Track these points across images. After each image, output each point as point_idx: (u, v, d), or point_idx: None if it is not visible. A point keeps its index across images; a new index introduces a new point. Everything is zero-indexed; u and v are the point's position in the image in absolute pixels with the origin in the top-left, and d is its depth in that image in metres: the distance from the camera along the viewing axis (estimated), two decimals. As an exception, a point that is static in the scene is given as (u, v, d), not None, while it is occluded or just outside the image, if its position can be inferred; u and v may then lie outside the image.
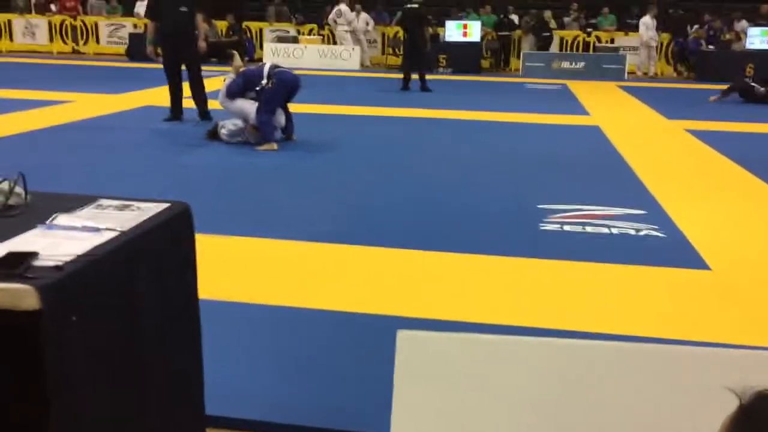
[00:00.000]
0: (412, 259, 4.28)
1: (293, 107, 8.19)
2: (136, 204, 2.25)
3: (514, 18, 18.28)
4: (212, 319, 2.98)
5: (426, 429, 1.88)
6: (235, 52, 9.42)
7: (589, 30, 18.34)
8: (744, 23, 17.20)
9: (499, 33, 17.94)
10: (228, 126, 7.77)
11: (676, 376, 1.74)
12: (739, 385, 1.07)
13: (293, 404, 2.67)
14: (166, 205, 2.24)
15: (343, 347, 3.16)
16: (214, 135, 7.87)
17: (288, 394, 2.75)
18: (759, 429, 0.99)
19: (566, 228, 4.92)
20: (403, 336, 1.97)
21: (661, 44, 17.54)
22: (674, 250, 4.48)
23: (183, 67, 8.97)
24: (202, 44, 9.12)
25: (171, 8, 8.74)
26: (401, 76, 13.24)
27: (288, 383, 2.84)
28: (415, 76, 12.96)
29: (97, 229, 1.99)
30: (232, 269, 4.06)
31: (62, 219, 2.04)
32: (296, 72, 8.05)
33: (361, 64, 17.54)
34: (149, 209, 2.20)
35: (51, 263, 1.70)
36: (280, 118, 7.79)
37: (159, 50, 9.13)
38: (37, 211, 2.07)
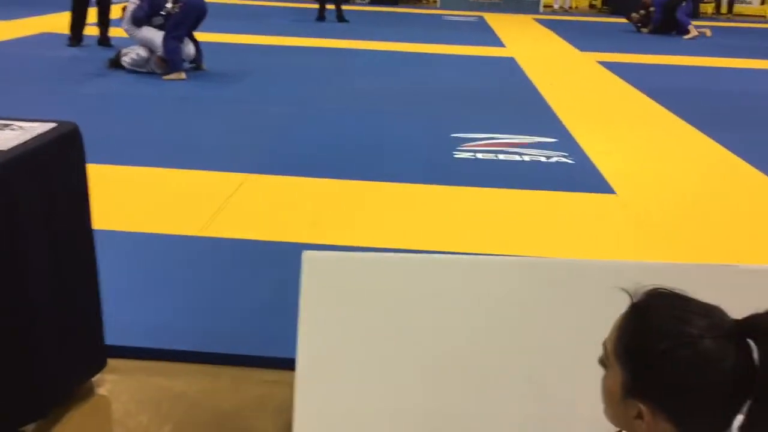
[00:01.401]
0: (327, 188, 4.22)
1: (204, 36, 7.85)
2: (17, 123, 2.09)
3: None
4: (112, 250, 2.87)
5: (332, 348, 1.86)
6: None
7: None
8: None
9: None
10: (131, 54, 7.37)
11: (574, 286, 1.77)
12: (632, 287, 1.08)
13: (196, 331, 2.61)
14: (51, 125, 2.09)
15: (252, 275, 3.10)
16: (116, 63, 7.46)
17: (191, 322, 2.68)
18: (648, 323, 0.99)
19: (479, 156, 4.95)
20: (308, 256, 1.93)
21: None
22: (582, 176, 4.59)
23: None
24: None
25: None
26: (317, 6, 12.87)
27: (190, 311, 2.77)
28: (330, 6, 12.62)
29: (-29, 148, 1.83)
30: (134, 200, 3.90)
31: (-69, 137, 1.87)
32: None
33: (276, -7, 16.94)
34: (33, 129, 2.05)
35: None
36: (188, 49, 7.45)
37: None
38: None
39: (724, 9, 17.22)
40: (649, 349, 0.96)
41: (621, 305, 1.08)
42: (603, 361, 1.06)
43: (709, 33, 12.45)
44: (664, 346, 0.95)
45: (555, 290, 1.78)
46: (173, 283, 3.00)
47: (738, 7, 17.33)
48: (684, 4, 12.48)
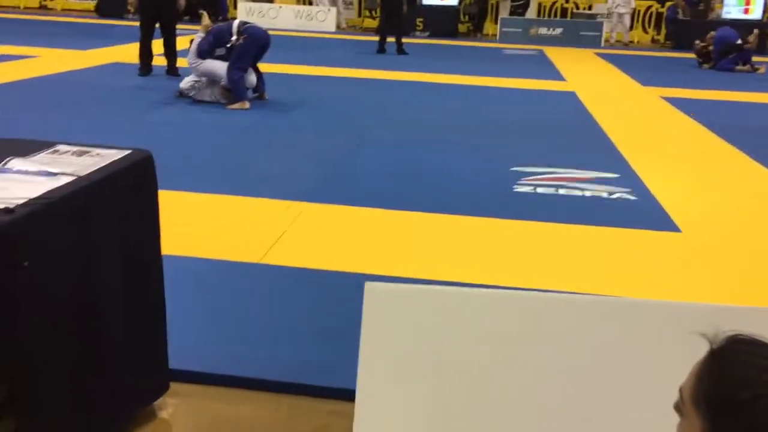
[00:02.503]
0: (386, 218, 4.23)
1: (267, 67, 8.04)
2: (95, 150, 2.16)
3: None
4: (179, 275, 2.93)
5: (392, 381, 1.85)
6: (204, 11, 9.21)
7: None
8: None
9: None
10: (189, 83, 7.59)
11: (649, 328, 1.73)
12: (710, 331, 1.05)
13: (258, 359, 2.63)
14: (127, 152, 2.16)
15: (313, 303, 3.12)
16: (184, 93, 7.69)
17: (254, 349, 2.71)
18: (728, 371, 0.96)
19: (539, 190, 4.90)
20: (370, 288, 1.93)
21: (637, 11, 17.47)
22: (645, 213, 4.49)
23: (157, 25, 8.81)
24: (182, 2, 8.99)
25: None
26: (377, 38, 13.06)
27: (254, 338, 2.79)
28: (391, 39, 12.79)
29: (53, 174, 1.91)
30: (198, 225, 3.98)
31: (15, 163, 1.95)
32: (270, 32, 7.87)
33: (337, 26, 17.28)
34: (109, 155, 2.12)
35: (0, 206, 1.62)
36: (251, 78, 7.64)
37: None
38: (-11, 155, 1.98)
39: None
40: (730, 399, 0.93)
41: (695, 348, 1.05)
42: (679, 407, 1.03)
43: (762, 70, 12.24)
44: (746, 396, 0.92)
45: (624, 331, 1.73)
46: (236, 309, 3.04)
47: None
48: (734, 55, 12.33)
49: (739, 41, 12.52)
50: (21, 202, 1.66)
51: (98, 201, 1.92)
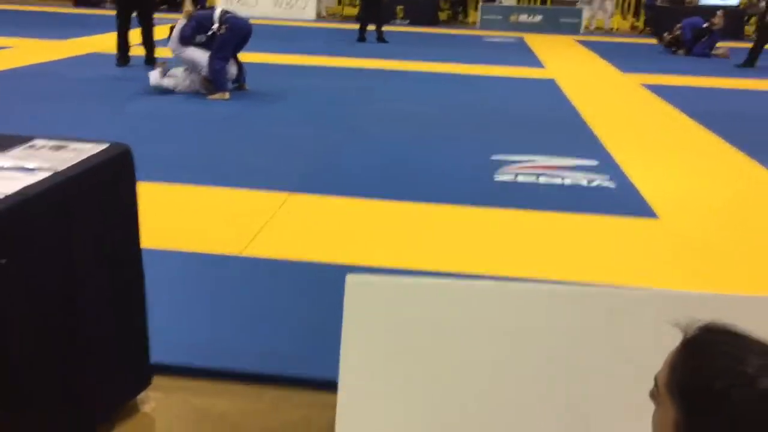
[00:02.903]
0: (368, 208, 4.24)
1: (247, 56, 7.98)
2: (72, 144, 2.14)
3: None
4: (159, 268, 2.92)
5: (374, 372, 1.86)
6: (185, -1, 9.12)
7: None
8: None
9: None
10: (171, 80, 7.52)
11: (626, 316, 1.75)
12: (683, 321, 1.06)
13: (240, 351, 2.63)
14: (104, 146, 2.15)
15: (295, 294, 3.13)
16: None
17: (235, 341, 2.71)
18: (701, 359, 0.98)
19: (520, 178, 4.93)
20: (351, 280, 1.94)
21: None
22: (624, 200, 4.54)
23: (134, 14, 8.72)
24: None
25: None
26: (358, 26, 13.01)
27: (235, 330, 2.80)
28: (371, 27, 12.75)
29: (29, 169, 1.89)
30: (177, 218, 3.97)
31: (-9, 158, 1.93)
32: (250, 20, 7.81)
33: (317, 14, 17.18)
34: (86, 150, 2.10)
35: (-24, 203, 1.60)
36: (232, 69, 7.59)
37: None
38: (-36, 151, 1.96)
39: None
40: (704, 389, 0.95)
41: (670, 337, 1.06)
42: (654, 396, 1.05)
43: (726, 53, 12.39)
44: (719, 386, 0.93)
45: (602, 320, 1.76)
46: (217, 302, 3.04)
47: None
48: (706, 38, 12.47)
49: (706, 24, 12.63)
50: (-3, 198, 1.64)
51: (76, 196, 1.90)
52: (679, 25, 12.94)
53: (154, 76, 7.45)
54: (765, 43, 11.35)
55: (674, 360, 1.03)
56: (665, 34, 13.23)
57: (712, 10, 13.74)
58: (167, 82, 7.48)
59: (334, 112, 7.01)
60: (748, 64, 11.17)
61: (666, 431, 1.00)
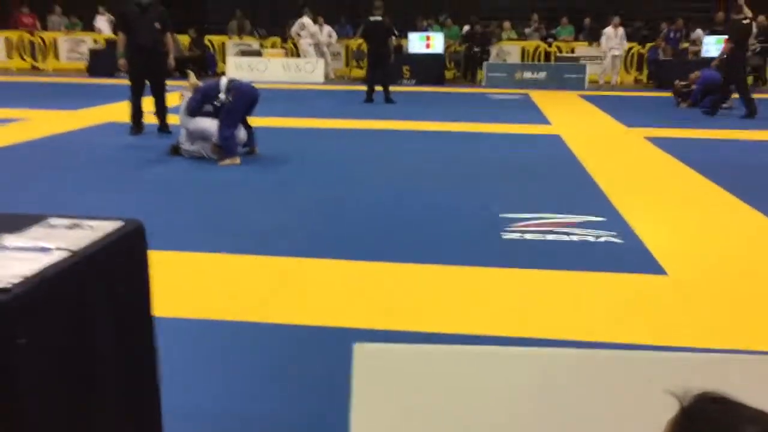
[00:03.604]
0: (375, 271, 4.28)
1: (257, 121, 8.16)
2: (87, 222, 2.21)
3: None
4: (171, 337, 2.96)
5: (384, 441, 1.88)
6: (190, 70, 9.40)
7: (549, 40, 18.62)
8: (699, 32, 17.60)
9: (469, 44, 17.97)
10: (187, 148, 7.72)
11: (624, 380, 1.77)
12: (680, 389, 1.09)
13: (252, 420, 2.65)
14: (119, 224, 2.21)
15: (303, 361, 3.15)
16: (176, 151, 7.81)
17: (247, 410, 2.73)
18: (698, 430, 1.01)
19: (527, 236, 4.97)
20: (359, 349, 1.97)
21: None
22: (632, 256, 4.56)
23: (147, 82, 8.97)
24: (172, 61, 9.15)
25: (144, 24, 8.75)
26: (365, 88, 13.28)
27: (247, 399, 2.82)
28: (379, 88, 13.01)
29: (47, 249, 1.96)
30: (196, 285, 4.02)
31: (9, 239, 2.00)
32: (259, 86, 8.02)
33: (325, 77, 17.57)
34: (101, 228, 2.17)
35: (-3, 285, 1.66)
36: (241, 134, 7.76)
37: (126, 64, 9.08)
38: (-17, 231, 2.03)
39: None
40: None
41: (672, 401, 1.09)
42: (654, 465, 1.08)
43: (731, 104, 12.55)
44: (714, 455, 0.96)
45: (611, 383, 1.78)
46: (229, 369, 3.06)
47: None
48: (718, 95, 12.61)
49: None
50: (17, 280, 1.70)
51: (92, 274, 1.96)
52: (696, 74, 12.94)
53: (184, 142, 7.67)
54: (745, 84, 11.48)
55: (672, 430, 1.06)
56: (677, 81, 13.33)
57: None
58: (194, 148, 7.66)
59: (343, 174, 7.12)
60: (750, 115, 11.29)
61: (665, 502, 1.03)
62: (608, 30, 17.13)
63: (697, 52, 16.98)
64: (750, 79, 15.10)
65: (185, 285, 3.99)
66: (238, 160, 7.45)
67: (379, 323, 3.47)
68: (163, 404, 2.36)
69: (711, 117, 11.46)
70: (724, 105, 12.61)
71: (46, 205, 5.20)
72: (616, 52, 17.26)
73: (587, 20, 18.59)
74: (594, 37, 17.94)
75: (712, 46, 16.27)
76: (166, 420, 2.37)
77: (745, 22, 11.41)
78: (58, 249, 1.97)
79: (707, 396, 1.07)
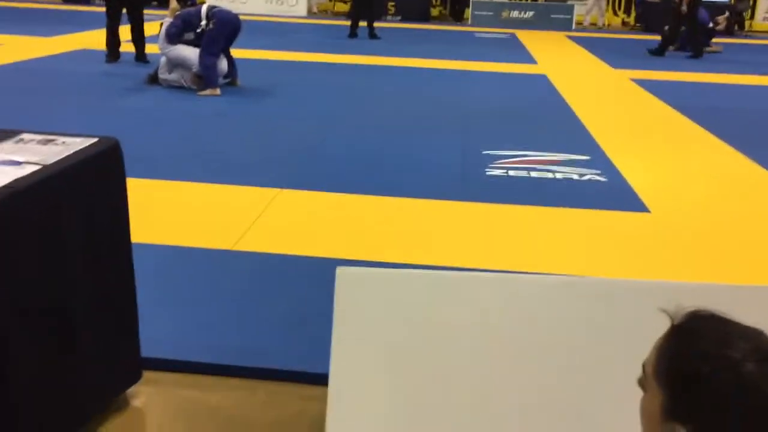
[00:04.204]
0: (359, 204, 4.24)
1: (238, 53, 7.96)
2: (60, 138, 2.14)
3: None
4: (150, 263, 2.92)
5: (365, 365, 1.86)
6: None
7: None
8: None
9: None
10: (166, 77, 7.52)
11: (611, 306, 1.76)
12: (671, 307, 1.07)
13: (230, 345, 2.63)
14: (93, 140, 2.14)
15: (286, 289, 3.12)
16: (154, 80, 7.61)
17: (226, 335, 2.71)
18: (689, 345, 0.98)
19: (511, 173, 4.93)
20: (342, 272, 1.94)
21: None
22: (616, 194, 4.55)
23: (124, 10, 8.67)
24: None
25: None
26: (349, 23, 12.99)
27: (226, 324, 2.79)
28: (363, 23, 12.73)
29: (18, 163, 1.88)
30: (168, 213, 3.96)
31: (-21, 152, 1.92)
32: (241, 18, 7.78)
33: (308, 11, 17.15)
34: (75, 144, 2.10)
35: (-36, 196, 1.60)
36: (222, 65, 7.56)
37: None
38: (-48, 144, 1.95)
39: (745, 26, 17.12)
40: (690, 372, 0.95)
41: (659, 326, 1.07)
42: (642, 383, 1.06)
43: (720, 49, 12.50)
44: (705, 370, 0.94)
45: (591, 310, 1.77)
46: (209, 296, 3.03)
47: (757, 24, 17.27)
48: (704, 35, 12.57)
49: (711, 24, 12.69)
50: (-15, 191, 1.63)
51: (65, 190, 1.90)
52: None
53: (163, 71, 7.46)
54: (677, 34, 11.74)
55: (661, 346, 1.03)
56: (666, 28, 13.19)
57: (706, 7, 13.77)
58: (174, 77, 7.46)
59: (325, 108, 7.00)
60: (659, 52, 11.59)
61: (653, 417, 1.01)
62: None
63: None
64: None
65: (163, 212, 3.93)
66: (218, 92, 7.28)
67: (363, 255, 3.44)
68: (140, 329, 2.33)
69: (697, 59, 11.42)
70: (710, 49, 12.54)
71: (17, 126, 5.03)
72: None
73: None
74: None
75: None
76: (143, 344, 2.34)
77: None
78: (29, 163, 1.90)
79: (699, 313, 1.04)
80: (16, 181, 1.74)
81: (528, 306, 1.87)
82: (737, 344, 0.95)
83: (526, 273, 3.21)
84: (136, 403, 2.33)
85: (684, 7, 11.52)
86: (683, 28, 11.96)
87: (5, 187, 1.70)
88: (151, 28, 9.01)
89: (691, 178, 5.05)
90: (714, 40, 12.85)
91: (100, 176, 2.10)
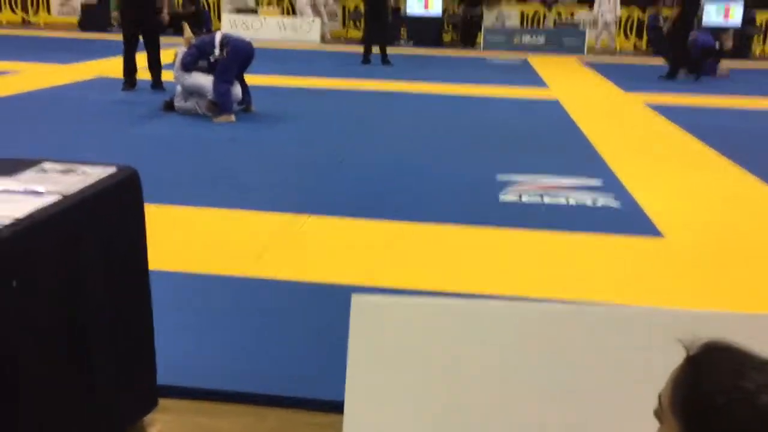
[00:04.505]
0: (373, 229, 4.26)
1: (252, 79, 8.05)
2: (81, 168, 2.17)
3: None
4: (166, 290, 2.94)
5: (380, 393, 1.86)
6: (185, 23, 9.23)
7: (549, 4, 18.37)
8: (702, -3, 17.36)
9: (467, 6, 17.63)
10: (181, 104, 7.63)
11: (631, 335, 1.75)
12: (687, 338, 1.07)
13: (246, 372, 2.64)
14: (112, 170, 2.17)
15: (300, 316, 3.13)
16: (170, 107, 7.71)
17: (242, 363, 2.72)
18: (704, 377, 0.99)
19: (524, 198, 4.94)
20: (357, 300, 1.95)
21: (619, 18, 17.61)
22: (629, 219, 4.54)
23: (140, 38, 8.82)
24: (165, 15, 8.99)
25: None
26: (362, 49, 13.12)
27: (242, 352, 2.80)
28: (376, 49, 12.85)
29: (39, 193, 1.92)
30: (184, 239, 3.99)
31: (1, 182, 1.96)
32: (255, 44, 7.89)
33: (322, 37, 17.33)
34: (95, 173, 2.13)
35: (-13, 226, 1.63)
36: (236, 91, 7.66)
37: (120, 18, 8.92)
38: (-25, 175, 1.99)
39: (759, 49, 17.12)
40: (705, 404, 0.96)
41: (675, 356, 1.07)
42: (658, 414, 1.06)
43: (726, 72, 12.55)
44: (721, 401, 0.94)
45: (608, 339, 1.76)
46: (223, 323, 3.04)
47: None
48: (713, 59, 12.61)
49: (717, 45, 12.71)
50: (8, 222, 1.67)
51: (85, 220, 1.93)
52: (690, 38, 12.93)
53: (178, 99, 7.57)
54: (680, 56, 11.84)
55: (677, 377, 1.04)
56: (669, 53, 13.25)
57: (715, 31, 13.80)
58: (189, 104, 7.56)
59: (339, 133, 7.05)
60: (670, 76, 11.68)
61: (670, 449, 1.01)
62: None
63: (699, 18, 16.78)
64: None
65: (178, 239, 3.96)
66: (233, 118, 7.36)
67: (377, 281, 3.44)
68: (156, 357, 2.34)
69: (695, 81, 11.55)
70: (720, 72, 12.54)
71: (36, 155, 5.11)
72: (608, 17, 17.01)
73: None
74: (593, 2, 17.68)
75: (713, 12, 16.08)
76: (159, 372, 2.35)
77: None
78: (50, 193, 1.93)
79: (715, 344, 1.05)
80: (38, 211, 1.77)
81: (542, 334, 1.87)
82: (752, 375, 0.96)
83: (541, 300, 3.20)
84: (152, 430, 2.33)
85: (665, 27, 11.76)
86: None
87: (27, 217, 1.73)
88: (166, 56, 9.13)
89: (705, 202, 5.03)
90: (723, 61, 12.84)
91: (119, 206, 2.13)
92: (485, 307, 2.01)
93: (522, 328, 1.89)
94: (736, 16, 15.88)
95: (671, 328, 1.78)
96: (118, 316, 2.11)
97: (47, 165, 2.20)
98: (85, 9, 17.71)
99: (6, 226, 1.65)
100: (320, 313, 3.11)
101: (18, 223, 1.68)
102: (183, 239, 3.99)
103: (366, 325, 1.91)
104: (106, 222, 2.03)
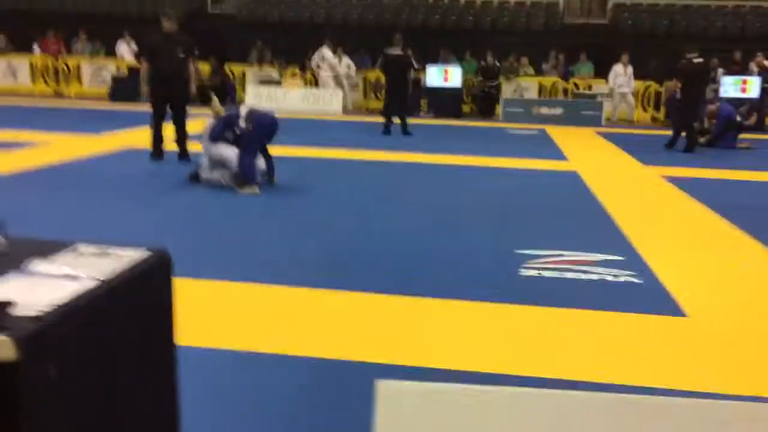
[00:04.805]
0: (394, 304, 4.28)
1: (276, 150, 8.23)
2: (114, 251, 2.24)
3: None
4: (191, 366, 2.96)
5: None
6: (213, 95, 9.52)
7: (567, 76, 18.68)
8: (720, 71, 17.58)
9: (485, 79, 18.00)
10: (208, 176, 7.82)
11: (656, 427, 1.75)
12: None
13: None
14: (146, 253, 2.24)
15: (322, 394, 3.13)
16: (195, 178, 7.88)
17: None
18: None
19: (545, 274, 4.95)
20: (383, 387, 1.97)
21: (636, 90, 17.84)
22: (651, 297, 4.53)
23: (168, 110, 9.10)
24: (192, 87, 9.27)
25: (168, 52, 8.90)
26: (382, 119, 13.37)
27: (266, 431, 2.81)
28: (396, 120, 13.09)
29: (76, 277, 1.98)
30: (213, 314, 4.03)
31: (40, 266, 2.03)
32: (278, 115, 8.09)
33: (343, 108, 17.71)
34: (128, 256, 2.19)
35: (29, 313, 1.68)
36: (260, 163, 7.83)
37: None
38: (12, 256, 2.06)
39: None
40: None
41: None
42: None
43: (748, 145, 12.68)
44: None
45: (630, 429, 1.76)
46: (247, 401, 3.05)
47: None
48: (735, 131, 12.76)
49: (738, 118, 12.86)
50: (48, 308, 1.72)
51: (119, 304, 1.98)
52: (713, 108, 13.10)
53: (205, 170, 7.75)
54: (692, 129, 12.04)
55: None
56: (696, 125, 13.37)
57: (734, 104, 13.95)
58: (215, 176, 7.74)
59: (360, 205, 7.15)
60: (688, 149, 11.78)
61: None
62: (617, 67, 17.15)
63: (716, 91, 16.98)
64: None
65: (202, 313, 4.00)
66: (257, 189, 7.50)
67: (395, 358, 3.45)
68: (181, 434, 2.36)
69: (691, 153, 11.74)
70: (741, 145, 12.62)
71: (67, 229, 5.26)
72: (625, 90, 17.27)
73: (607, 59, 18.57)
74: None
75: (730, 86, 16.27)
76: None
77: (696, 61, 11.89)
78: (87, 278, 1.99)
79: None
80: (77, 297, 1.83)
81: (565, 422, 1.87)
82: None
83: (564, 381, 3.18)
84: None
85: (678, 95, 11.97)
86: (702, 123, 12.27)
87: (66, 303, 1.78)
88: (193, 126, 9.39)
89: (729, 281, 5.01)
90: (743, 136, 12.94)
91: (151, 287, 2.19)
92: (511, 395, 2.02)
93: (544, 415, 1.90)
94: (753, 90, 16.03)
95: (700, 420, 1.79)
96: (146, 397, 2.14)
97: (82, 247, 2.27)
98: (116, 81, 18.29)
99: (46, 313, 1.70)
100: (344, 392, 3.10)
101: (57, 309, 1.73)
102: (207, 313, 4.02)
103: (392, 411, 1.93)
104: (139, 306, 2.08)
